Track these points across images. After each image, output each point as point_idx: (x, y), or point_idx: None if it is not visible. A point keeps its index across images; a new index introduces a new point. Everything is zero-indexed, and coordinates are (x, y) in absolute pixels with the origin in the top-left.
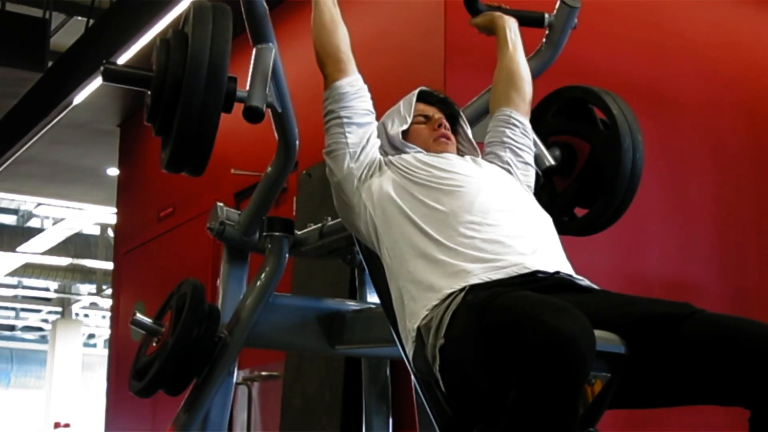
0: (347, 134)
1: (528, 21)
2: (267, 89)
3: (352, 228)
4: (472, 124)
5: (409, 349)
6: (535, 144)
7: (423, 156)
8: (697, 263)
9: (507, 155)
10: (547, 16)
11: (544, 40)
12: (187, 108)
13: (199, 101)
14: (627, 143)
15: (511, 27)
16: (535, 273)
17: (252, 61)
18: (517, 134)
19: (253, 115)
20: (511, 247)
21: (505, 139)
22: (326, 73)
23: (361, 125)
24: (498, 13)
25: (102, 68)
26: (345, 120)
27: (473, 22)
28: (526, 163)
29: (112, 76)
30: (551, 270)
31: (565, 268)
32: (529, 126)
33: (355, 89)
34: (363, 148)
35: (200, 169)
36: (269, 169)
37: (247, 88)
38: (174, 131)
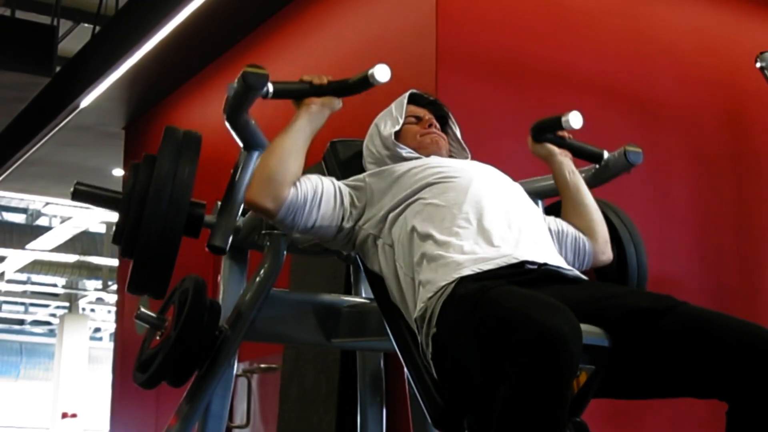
0: (326, 225)
1: (586, 155)
2: (236, 221)
3: (359, 251)
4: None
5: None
6: None
7: (409, 156)
8: (679, 260)
9: (550, 231)
10: (606, 154)
11: (593, 169)
12: (148, 230)
13: (160, 224)
14: (632, 261)
15: (570, 167)
16: (523, 263)
17: (226, 189)
18: (570, 250)
19: (215, 251)
20: (501, 238)
21: (563, 239)
22: (265, 208)
23: (325, 204)
24: (556, 151)
25: (72, 189)
26: (317, 224)
27: (531, 148)
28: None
29: (81, 195)
30: (540, 260)
31: (554, 258)
32: (589, 262)
33: (300, 201)
34: (340, 207)
35: (161, 291)
36: None
37: (217, 216)
38: (135, 252)
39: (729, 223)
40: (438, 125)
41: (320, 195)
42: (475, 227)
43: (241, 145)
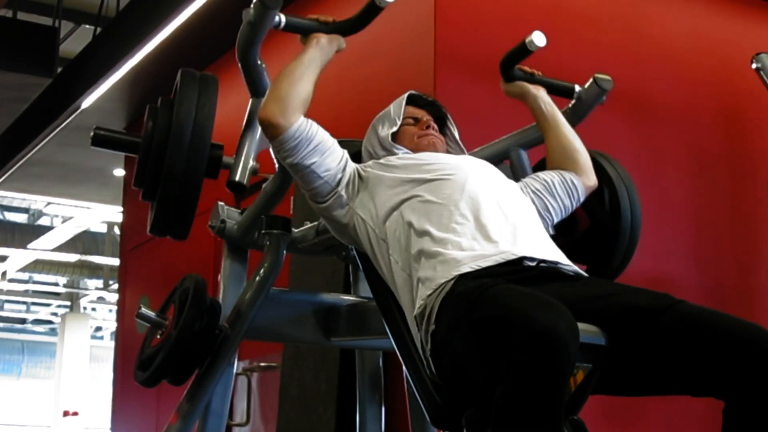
0: (322, 174)
1: (558, 91)
2: (252, 161)
3: (351, 242)
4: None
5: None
6: None
7: (407, 155)
8: (676, 259)
9: (540, 193)
10: (577, 88)
11: (569, 106)
12: (170, 172)
13: (182, 167)
14: (625, 204)
15: (544, 99)
16: (521, 259)
17: (243, 125)
18: (564, 193)
19: (236, 188)
20: (499, 233)
21: (552, 188)
22: (276, 123)
23: (329, 157)
24: (529, 86)
25: (92, 133)
26: (314, 167)
27: (503, 89)
28: (547, 211)
29: (100, 140)
30: (537, 256)
31: (552, 253)
32: (582, 194)
33: (306, 131)
34: (342, 171)
35: (183, 233)
36: (267, 185)
37: (234, 156)
38: (158, 194)
39: (725, 221)
40: (436, 126)
41: (328, 147)
42: (472, 223)
43: (249, 91)
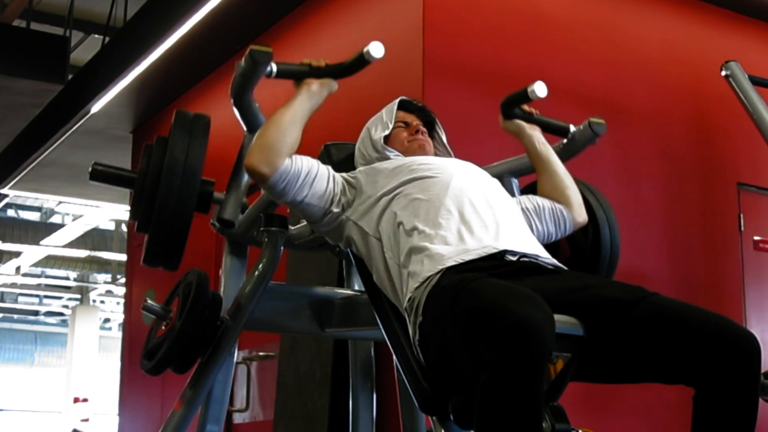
0: (315, 203)
1: (553, 130)
2: (243, 198)
3: (347, 244)
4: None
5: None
6: None
7: (397, 158)
8: (648, 254)
9: (529, 212)
10: (572, 128)
11: (563, 143)
12: (163, 205)
13: (174, 200)
14: (606, 242)
15: (539, 139)
16: (504, 253)
17: (234, 163)
18: (551, 221)
19: (225, 224)
20: (482, 228)
21: (541, 212)
22: (260, 172)
23: (317, 184)
24: (525, 126)
25: (90, 169)
26: (306, 199)
27: (502, 125)
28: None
29: (99, 175)
30: (519, 249)
31: (532, 247)
32: (569, 227)
33: (292, 171)
34: (332, 191)
35: (174, 264)
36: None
37: (225, 193)
38: (150, 227)
39: (695, 219)
40: (425, 130)
41: (314, 175)
42: (457, 219)
43: (245, 128)
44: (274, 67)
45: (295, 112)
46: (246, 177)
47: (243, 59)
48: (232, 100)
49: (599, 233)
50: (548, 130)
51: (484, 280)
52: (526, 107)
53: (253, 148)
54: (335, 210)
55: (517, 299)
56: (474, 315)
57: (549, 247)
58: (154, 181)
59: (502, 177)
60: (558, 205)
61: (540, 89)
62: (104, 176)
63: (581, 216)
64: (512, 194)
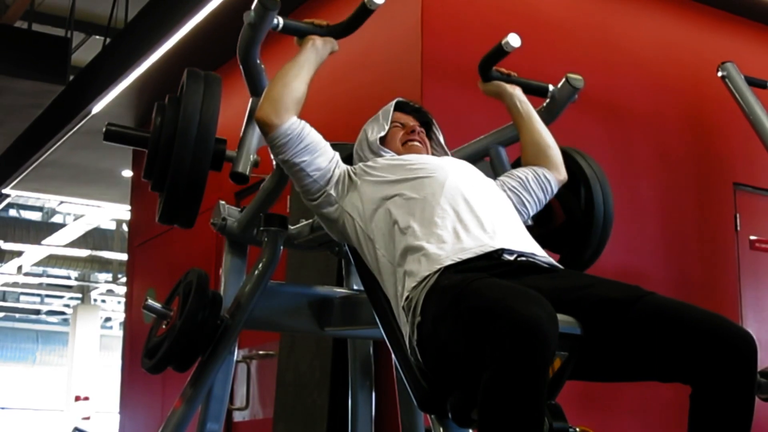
0: (312, 173)
1: (533, 90)
2: (253, 155)
3: (341, 238)
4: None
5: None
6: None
7: (392, 157)
8: (645, 254)
9: (516, 189)
10: (551, 87)
11: (544, 105)
12: (178, 164)
13: (189, 159)
14: (599, 201)
15: (519, 97)
16: (500, 251)
17: (245, 121)
18: (537, 188)
19: (238, 178)
20: (478, 226)
21: (527, 184)
22: (269, 121)
23: (319, 157)
24: (505, 85)
25: (104, 129)
26: (303, 165)
27: (482, 88)
28: (523, 206)
29: (112, 135)
30: (515, 248)
31: (528, 245)
32: (554, 187)
33: (298, 130)
34: (331, 171)
35: (190, 220)
36: (265, 184)
37: (237, 150)
38: (166, 185)
39: (691, 219)
40: (422, 131)
41: (320, 148)
42: (452, 217)
43: (250, 91)
44: (280, 20)
45: (301, 66)
46: (257, 134)
47: (252, 8)
48: (239, 56)
49: (592, 194)
50: (528, 90)
51: (486, 280)
52: (504, 69)
53: (263, 101)
54: (331, 191)
55: (521, 299)
56: (477, 315)
57: (542, 213)
58: (169, 140)
59: (490, 147)
60: (539, 170)
61: (513, 40)
62: (118, 136)
63: (562, 174)
64: (501, 164)
